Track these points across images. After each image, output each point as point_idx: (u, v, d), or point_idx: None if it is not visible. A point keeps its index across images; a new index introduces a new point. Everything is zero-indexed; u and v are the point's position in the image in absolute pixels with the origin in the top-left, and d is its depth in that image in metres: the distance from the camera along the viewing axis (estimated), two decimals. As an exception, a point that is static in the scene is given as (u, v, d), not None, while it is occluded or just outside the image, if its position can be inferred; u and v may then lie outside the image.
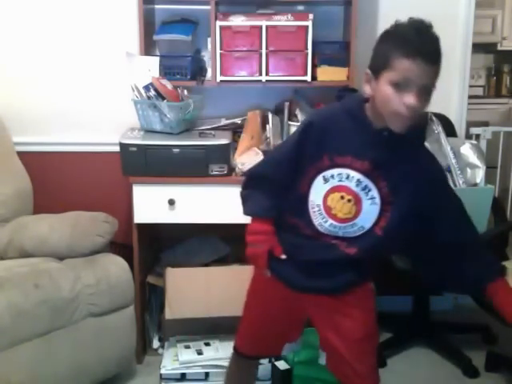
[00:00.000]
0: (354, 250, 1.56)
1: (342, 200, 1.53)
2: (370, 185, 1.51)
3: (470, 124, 3.11)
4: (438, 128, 2.66)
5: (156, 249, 2.77)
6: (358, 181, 1.51)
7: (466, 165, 2.61)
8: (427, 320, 2.86)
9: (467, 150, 2.64)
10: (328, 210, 1.55)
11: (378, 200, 1.52)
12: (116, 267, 2.32)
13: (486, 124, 4.04)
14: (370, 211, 1.53)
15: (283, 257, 1.61)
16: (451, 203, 1.60)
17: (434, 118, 2.69)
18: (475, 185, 2.58)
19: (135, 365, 2.57)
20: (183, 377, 2.37)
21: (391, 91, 1.39)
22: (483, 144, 3.19)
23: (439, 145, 2.64)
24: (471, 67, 2.97)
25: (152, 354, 2.67)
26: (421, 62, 1.38)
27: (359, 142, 1.51)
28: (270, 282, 1.68)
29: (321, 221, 1.57)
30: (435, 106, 2.82)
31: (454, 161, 2.59)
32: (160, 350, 2.64)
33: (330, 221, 1.56)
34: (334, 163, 1.52)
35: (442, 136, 2.63)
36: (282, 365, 2.34)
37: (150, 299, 2.73)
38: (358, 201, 1.53)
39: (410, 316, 2.86)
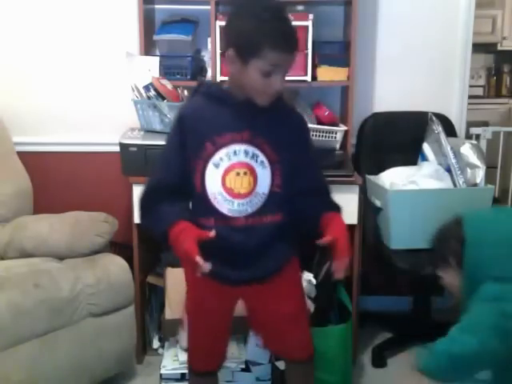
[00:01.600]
0: (268, 219, 1.64)
1: (239, 176, 1.60)
2: (256, 151, 1.60)
3: (469, 124, 3.11)
4: (437, 128, 2.66)
5: (156, 249, 2.76)
6: (245, 152, 1.60)
7: (466, 165, 2.61)
8: (427, 320, 2.86)
9: (467, 150, 2.64)
10: (230, 191, 1.61)
11: (266, 163, 1.62)
12: (116, 267, 2.32)
13: (486, 124, 4.05)
14: (263, 175, 1.62)
15: (212, 234, 1.55)
16: (309, 157, 1.72)
17: (434, 118, 2.70)
18: (475, 185, 2.58)
19: (135, 365, 2.57)
20: (183, 377, 2.36)
21: (260, 77, 1.50)
22: (483, 144, 3.18)
23: (439, 145, 2.64)
24: (471, 67, 2.96)
25: (152, 354, 2.67)
26: (286, 52, 1.50)
27: (231, 118, 1.59)
28: (205, 287, 1.70)
29: (228, 206, 1.62)
30: (435, 105, 2.88)
31: (453, 161, 2.58)
32: (160, 350, 2.65)
33: (236, 201, 1.61)
34: (218, 145, 1.59)
35: (442, 136, 2.63)
36: (282, 365, 2.34)
37: (150, 299, 2.73)
38: (251, 170, 1.61)
39: (409, 316, 2.86)
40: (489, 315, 1.39)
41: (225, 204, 1.62)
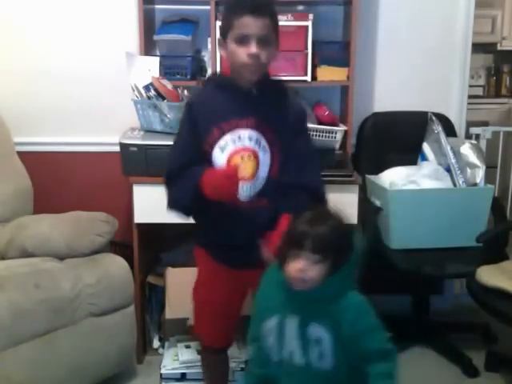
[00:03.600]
0: (266, 202, 1.71)
1: (243, 160, 1.69)
2: (259, 136, 1.69)
3: (469, 124, 3.11)
4: (437, 128, 2.66)
5: (156, 249, 2.77)
6: (249, 137, 1.68)
7: (466, 165, 2.61)
8: (427, 320, 2.86)
9: (467, 150, 2.64)
10: None
11: (267, 148, 1.70)
12: (116, 267, 2.33)
13: (485, 124, 4.04)
14: (264, 160, 1.70)
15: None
16: (301, 148, 1.76)
17: (433, 118, 2.70)
18: (475, 185, 2.59)
19: (135, 364, 2.57)
20: (183, 376, 2.37)
21: (235, 47, 1.62)
22: (483, 144, 3.19)
23: (439, 145, 2.64)
24: (471, 67, 2.97)
25: (152, 354, 2.67)
26: (250, 17, 1.59)
27: (237, 104, 1.69)
28: (214, 270, 1.82)
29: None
30: (435, 105, 2.88)
31: (453, 161, 2.59)
32: (160, 350, 2.65)
33: (241, 184, 1.67)
34: (223, 131, 1.68)
35: (442, 136, 2.64)
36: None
37: (150, 299, 2.73)
38: (255, 155, 1.69)
39: (409, 316, 2.86)
40: None
41: None
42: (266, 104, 1.70)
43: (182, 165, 1.72)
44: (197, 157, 1.71)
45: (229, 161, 1.69)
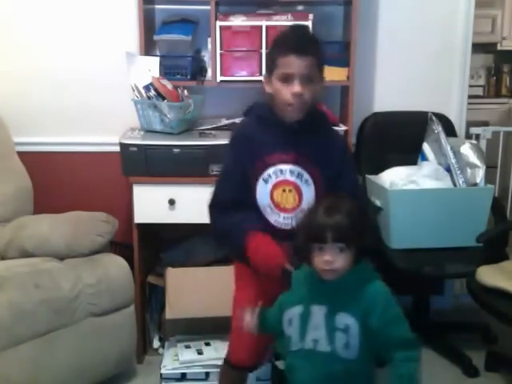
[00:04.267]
0: None
1: (285, 192, 1.75)
2: (301, 170, 1.74)
3: (469, 124, 3.11)
4: (437, 128, 2.66)
5: (156, 249, 2.77)
6: (291, 171, 1.73)
7: (466, 165, 2.61)
8: (427, 319, 2.86)
9: (467, 150, 2.64)
10: (278, 205, 1.76)
11: (310, 181, 1.74)
12: (116, 267, 2.33)
13: (485, 124, 4.05)
14: (308, 193, 1.75)
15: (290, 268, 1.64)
16: (348, 179, 1.81)
17: (434, 118, 2.70)
18: (475, 184, 2.58)
19: (135, 364, 2.57)
20: (183, 376, 2.37)
21: (280, 85, 1.66)
22: (483, 144, 3.19)
23: (439, 145, 2.64)
24: (471, 67, 2.97)
25: (152, 354, 2.67)
26: (294, 56, 1.63)
27: (279, 138, 1.74)
28: (253, 283, 1.81)
29: (276, 218, 1.76)
30: (435, 105, 2.88)
31: (453, 161, 2.59)
32: (160, 350, 2.65)
33: (283, 214, 1.75)
34: (267, 164, 1.74)
35: (442, 136, 2.64)
36: (282, 365, 2.34)
37: (150, 299, 2.73)
38: (297, 188, 1.74)
39: (409, 316, 2.84)
40: None
41: (273, 216, 1.76)
42: (308, 139, 1.74)
43: (232, 198, 1.77)
44: (242, 186, 1.76)
45: (272, 192, 1.75)
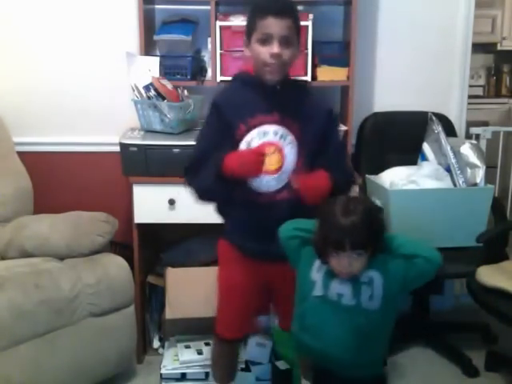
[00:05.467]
0: (290, 195, 1.74)
1: (268, 154, 1.73)
2: (285, 131, 1.74)
3: (469, 124, 3.11)
4: (437, 128, 2.66)
5: (156, 249, 2.77)
6: (275, 132, 1.74)
7: (466, 165, 2.61)
8: (427, 320, 2.86)
9: (467, 150, 2.64)
10: None
11: (294, 142, 1.75)
12: (116, 267, 2.33)
13: (485, 124, 4.05)
14: (290, 154, 1.75)
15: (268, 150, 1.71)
16: (333, 142, 1.84)
17: (433, 118, 2.70)
18: (475, 185, 2.58)
19: (135, 364, 2.57)
20: (183, 376, 2.37)
21: (259, 47, 1.69)
22: (483, 144, 3.19)
23: (439, 145, 2.64)
24: (471, 67, 2.97)
25: (152, 354, 2.67)
26: (273, 18, 1.66)
27: (263, 100, 1.75)
28: (235, 262, 1.87)
29: (259, 180, 1.75)
30: (435, 105, 2.88)
31: (453, 161, 2.59)
32: (160, 350, 2.65)
33: (266, 177, 1.74)
34: (250, 126, 1.74)
35: (442, 136, 2.63)
36: (282, 365, 2.34)
37: (150, 299, 2.73)
38: (280, 149, 1.74)
39: (409, 316, 2.86)
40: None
41: (256, 179, 1.75)
42: (290, 100, 1.76)
43: (204, 155, 1.77)
44: (220, 148, 1.75)
45: None
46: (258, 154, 1.70)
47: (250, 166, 1.70)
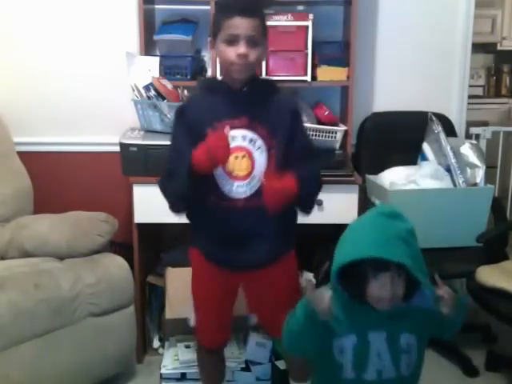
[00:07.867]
0: (261, 200, 1.67)
1: (237, 159, 1.70)
2: (254, 136, 1.70)
3: (469, 124, 3.11)
4: (437, 128, 2.66)
5: (156, 249, 2.77)
6: (243, 137, 1.70)
7: (466, 165, 2.61)
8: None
9: (467, 150, 2.64)
10: (229, 174, 1.70)
11: (263, 147, 1.71)
12: (116, 267, 2.33)
13: (485, 124, 4.05)
14: (260, 159, 1.71)
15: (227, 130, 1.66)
16: (300, 142, 1.78)
17: (433, 118, 2.70)
18: (475, 185, 2.59)
19: (135, 364, 2.57)
20: (183, 376, 2.37)
21: (225, 47, 1.65)
22: (483, 144, 3.19)
23: (439, 145, 2.64)
24: (471, 67, 2.97)
25: (152, 354, 2.67)
26: (239, 17, 1.62)
27: (228, 105, 1.71)
28: (208, 272, 1.84)
29: (229, 187, 1.71)
30: (435, 106, 2.88)
31: (453, 161, 2.59)
32: (160, 350, 2.65)
33: (236, 183, 1.71)
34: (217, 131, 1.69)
35: (442, 136, 2.64)
36: (282, 364, 2.34)
37: (150, 299, 2.73)
38: (249, 154, 1.70)
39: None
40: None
41: (226, 186, 1.71)
42: (258, 103, 1.72)
43: (175, 168, 1.73)
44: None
45: None
46: (221, 137, 1.65)
47: (216, 148, 1.64)
